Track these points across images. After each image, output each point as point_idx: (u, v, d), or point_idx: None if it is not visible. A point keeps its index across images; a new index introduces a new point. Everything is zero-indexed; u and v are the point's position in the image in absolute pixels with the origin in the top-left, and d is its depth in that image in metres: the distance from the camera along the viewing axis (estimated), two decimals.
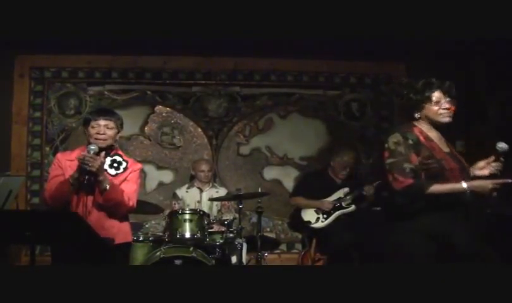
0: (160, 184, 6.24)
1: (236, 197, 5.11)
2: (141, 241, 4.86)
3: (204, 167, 5.67)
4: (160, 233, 5.27)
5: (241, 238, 4.92)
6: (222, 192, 5.59)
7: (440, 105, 3.01)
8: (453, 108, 3.02)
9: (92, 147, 3.30)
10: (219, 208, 5.58)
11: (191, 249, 4.58)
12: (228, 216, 5.38)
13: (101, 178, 3.28)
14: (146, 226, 6.09)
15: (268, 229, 6.24)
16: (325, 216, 5.56)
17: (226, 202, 5.59)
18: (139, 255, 4.74)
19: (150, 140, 6.30)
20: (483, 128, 6.18)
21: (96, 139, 3.38)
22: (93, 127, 3.41)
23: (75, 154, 3.40)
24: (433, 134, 3.06)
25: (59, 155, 3.55)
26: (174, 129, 6.33)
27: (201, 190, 5.60)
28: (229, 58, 6.32)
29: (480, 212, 2.99)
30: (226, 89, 6.39)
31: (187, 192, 5.62)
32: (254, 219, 5.94)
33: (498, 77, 6.01)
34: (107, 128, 3.41)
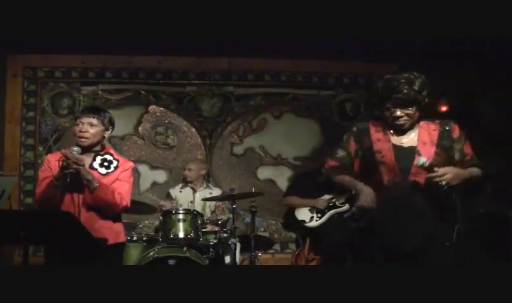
0: (154, 184, 6.24)
1: (230, 197, 5.11)
2: (135, 241, 4.86)
3: (192, 166, 5.65)
4: (154, 233, 5.27)
5: (234, 238, 4.92)
6: (215, 192, 5.58)
7: (391, 113, 2.95)
8: (408, 115, 2.93)
9: (75, 148, 3.28)
10: (213, 210, 5.58)
11: (185, 248, 4.58)
12: (222, 217, 5.38)
13: (89, 177, 3.26)
14: (140, 226, 6.09)
15: (262, 229, 6.25)
16: (319, 215, 5.56)
17: (221, 204, 5.58)
18: (132, 255, 4.73)
19: (144, 140, 6.29)
20: (475, 128, 6.21)
21: (78, 137, 3.37)
22: (77, 125, 3.40)
23: None
24: (394, 131, 3.00)
25: (49, 156, 3.53)
26: (168, 128, 6.33)
27: (194, 191, 5.60)
28: (223, 58, 6.32)
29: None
30: (220, 89, 6.39)
31: (180, 192, 5.61)
32: (248, 219, 5.94)
33: (490, 77, 6.04)
34: (90, 126, 3.37)
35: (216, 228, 5.07)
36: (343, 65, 6.46)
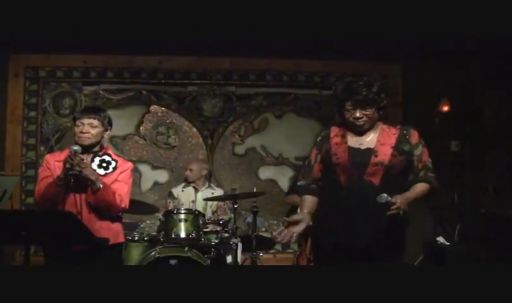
0: (156, 184, 6.24)
1: (231, 196, 5.11)
2: (136, 241, 4.86)
3: (193, 166, 5.65)
4: (155, 233, 5.27)
5: (236, 238, 4.92)
6: (217, 192, 5.58)
7: (351, 114, 3.06)
8: (367, 116, 3.03)
9: (75, 148, 3.28)
10: (215, 210, 5.58)
11: (186, 248, 4.58)
12: (223, 217, 5.38)
13: (93, 177, 3.27)
14: (142, 225, 6.10)
15: (263, 229, 6.25)
16: None
17: (222, 204, 5.58)
18: (134, 255, 4.74)
19: (145, 140, 6.30)
20: (478, 128, 6.21)
21: (79, 137, 3.37)
22: (77, 126, 3.40)
23: (64, 154, 3.37)
24: (353, 133, 3.11)
25: (47, 156, 3.54)
26: (170, 128, 6.33)
27: (196, 190, 5.60)
28: (225, 58, 6.32)
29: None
30: (221, 89, 6.39)
31: (182, 191, 5.61)
32: (249, 219, 5.94)
33: (493, 78, 6.03)
34: (91, 126, 3.37)
35: (218, 228, 5.07)
36: (344, 65, 6.44)
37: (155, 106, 6.32)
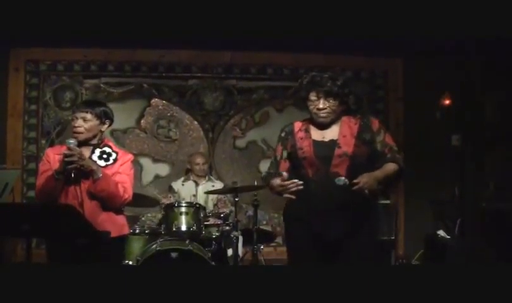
0: (156, 177, 6.25)
1: (232, 190, 5.12)
2: (138, 234, 4.87)
3: (199, 160, 5.67)
4: (156, 226, 5.28)
5: (237, 231, 4.93)
6: (218, 185, 5.59)
7: (314, 105, 3.12)
8: (330, 108, 3.10)
9: (70, 141, 3.27)
10: (215, 203, 5.58)
11: (187, 241, 4.59)
12: (224, 210, 5.39)
13: (94, 167, 3.27)
14: (143, 219, 6.11)
15: (264, 222, 6.26)
16: None
17: (223, 197, 5.59)
18: (135, 248, 4.75)
19: (146, 133, 6.30)
20: (479, 123, 6.20)
21: (74, 132, 3.37)
22: (72, 120, 3.41)
23: (64, 148, 3.36)
24: (317, 127, 3.17)
25: (48, 150, 3.53)
26: (171, 122, 6.34)
27: (197, 184, 5.60)
28: (226, 51, 6.31)
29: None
30: (222, 83, 6.39)
31: (183, 185, 5.62)
32: (250, 212, 5.94)
33: (493, 78, 6.01)
34: (84, 121, 3.35)
35: (218, 222, 5.08)
36: (345, 59, 6.43)
37: (156, 99, 6.32)
